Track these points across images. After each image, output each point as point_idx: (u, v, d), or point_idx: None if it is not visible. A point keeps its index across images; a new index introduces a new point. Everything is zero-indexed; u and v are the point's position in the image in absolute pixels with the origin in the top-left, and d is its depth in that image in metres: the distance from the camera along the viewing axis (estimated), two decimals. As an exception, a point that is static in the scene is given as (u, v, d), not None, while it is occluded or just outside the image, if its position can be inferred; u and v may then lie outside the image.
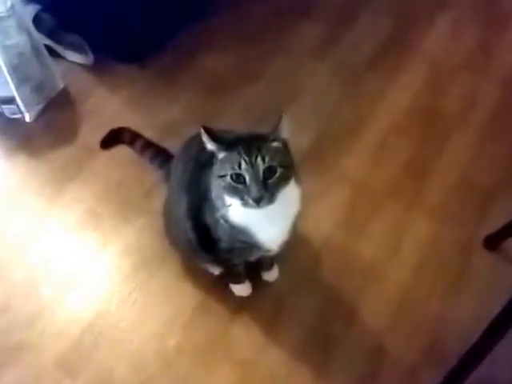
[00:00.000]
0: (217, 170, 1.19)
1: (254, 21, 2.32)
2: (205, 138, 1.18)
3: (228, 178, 1.15)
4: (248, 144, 1.15)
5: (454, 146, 1.93)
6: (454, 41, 2.25)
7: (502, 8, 2.38)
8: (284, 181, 1.17)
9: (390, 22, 2.31)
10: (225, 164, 1.16)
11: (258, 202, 1.13)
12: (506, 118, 2.00)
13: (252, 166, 1.12)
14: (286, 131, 1.17)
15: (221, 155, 1.18)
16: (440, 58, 2.20)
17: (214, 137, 1.18)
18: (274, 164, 1.14)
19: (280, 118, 1.15)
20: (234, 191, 1.16)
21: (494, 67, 2.16)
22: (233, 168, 1.14)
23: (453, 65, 2.17)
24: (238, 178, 1.14)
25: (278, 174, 1.15)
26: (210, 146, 1.19)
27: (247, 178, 1.13)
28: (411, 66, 2.16)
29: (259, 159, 1.12)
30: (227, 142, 1.17)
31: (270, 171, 1.14)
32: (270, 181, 1.14)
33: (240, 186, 1.15)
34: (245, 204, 1.16)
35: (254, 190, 1.13)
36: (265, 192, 1.13)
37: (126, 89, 2.10)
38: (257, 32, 2.28)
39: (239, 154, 1.13)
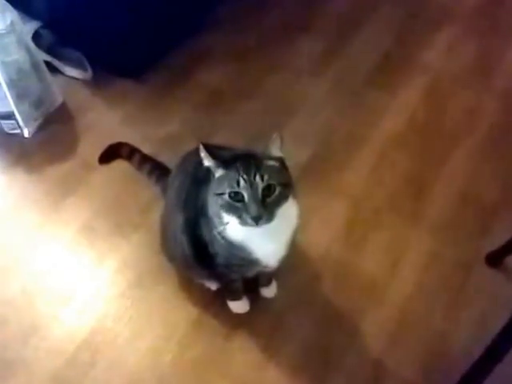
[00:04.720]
0: (214, 187, 1.18)
1: (251, 36, 2.32)
2: (203, 154, 1.17)
3: (226, 197, 1.14)
4: (246, 162, 1.14)
5: (455, 161, 1.91)
6: (455, 55, 2.25)
7: (502, 21, 2.38)
8: (283, 199, 1.16)
9: (389, 37, 2.31)
10: (223, 182, 1.15)
11: (257, 220, 1.12)
12: (508, 131, 1.99)
13: (251, 184, 1.11)
14: (278, 150, 1.16)
15: (218, 173, 1.17)
16: (440, 72, 2.20)
17: (212, 154, 1.16)
18: (273, 182, 1.13)
19: (272, 138, 1.15)
20: (232, 209, 1.15)
21: (495, 81, 2.16)
22: (231, 186, 1.13)
23: (453, 79, 2.17)
24: (237, 196, 1.13)
25: (276, 193, 1.14)
26: (208, 162, 1.18)
27: (246, 197, 1.12)
28: (411, 81, 2.15)
29: (258, 178, 1.11)
30: (225, 160, 1.16)
31: (268, 190, 1.13)
32: (269, 199, 1.13)
33: (238, 205, 1.13)
34: (243, 223, 1.15)
35: (253, 209, 1.11)
36: (264, 211, 1.12)
37: (124, 104, 2.10)
38: (254, 47, 2.28)
39: (237, 172, 1.13)
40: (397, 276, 1.65)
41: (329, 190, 1.84)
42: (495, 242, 1.63)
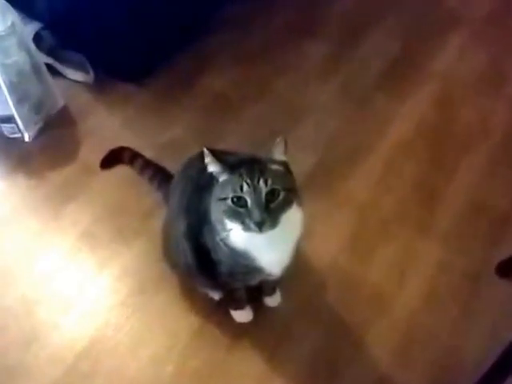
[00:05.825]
0: (217, 192, 1.16)
1: (256, 40, 2.30)
2: (208, 159, 1.15)
3: (229, 201, 1.12)
4: (250, 166, 1.12)
5: (465, 169, 1.89)
6: (465, 62, 2.23)
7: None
8: (287, 204, 1.14)
9: (398, 41, 2.29)
10: (226, 187, 1.13)
11: (260, 226, 1.10)
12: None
13: (254, 188, 1.10)
14: (281, 154, 1.14)
15: (222, 178, 1.16)
16: (450, 79, 2.18)
17: (217, 158, 1.15)
18: (277, 187, 1.11)
19: (276, 141, 1.13)
20: (235, 215, 1.13)
21: (506, 88, 2.13)
22: (234, 191, 1.11)
23: (463, 86, 2.15)
24: (240, 201, 1.11)
25: (280, 198, 1.12)
26: (213, 167, 1.16)
27: (249, 202, 1.10)
28: (420, 87, 2.13)
29: (261, 182, 1.10)
30: (229, 165, 1.15)
31: (272, 194, 1.11)
32: (273, 204, 1.11)
33: (241, 210, 1.11)
34: (246, 228, 1.13)
35: (256, 214, 1.09)
36: (267, 216, 1.10)
37: (126, 108, 2.09)
38: (259, 51, 2.26)
39: (241, 176, 1.11)
40: (404, 287, 1.62)
41: (335, 198, 1.81)
42: (506, 251, 1.61)
